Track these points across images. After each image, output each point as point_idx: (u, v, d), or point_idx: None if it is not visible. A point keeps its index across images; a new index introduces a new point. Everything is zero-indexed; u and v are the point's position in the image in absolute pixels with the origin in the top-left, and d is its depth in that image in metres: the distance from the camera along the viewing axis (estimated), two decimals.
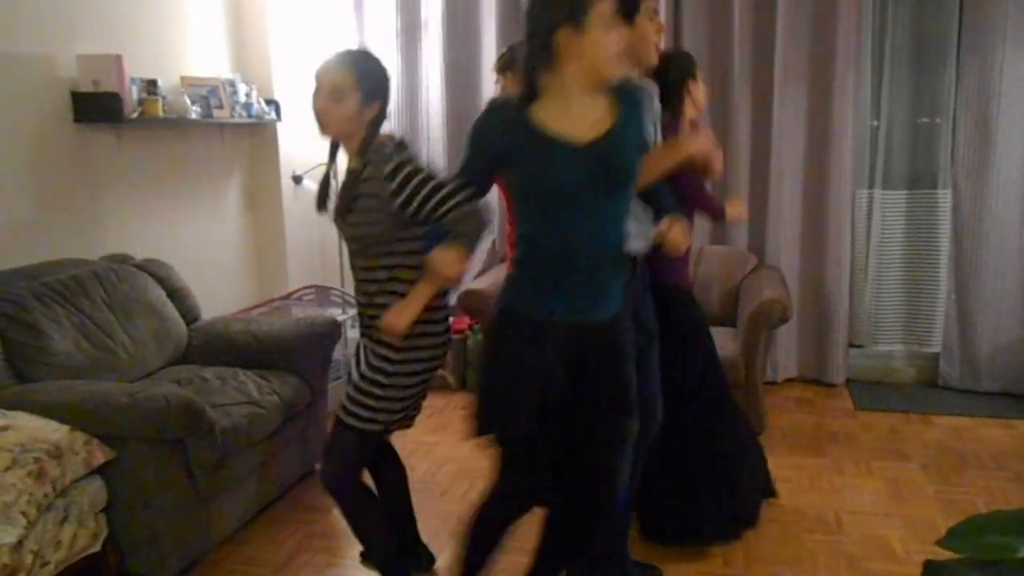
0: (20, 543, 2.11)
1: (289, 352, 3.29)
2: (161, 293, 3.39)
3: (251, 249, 4.53)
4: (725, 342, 3.79)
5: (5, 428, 2.28)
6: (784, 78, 4.27)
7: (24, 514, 2.13)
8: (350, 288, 4.87)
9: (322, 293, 4.62)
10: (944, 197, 4.40)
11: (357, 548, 2.87)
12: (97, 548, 2.43)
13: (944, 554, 1.39)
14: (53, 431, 2.33)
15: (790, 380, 4.56)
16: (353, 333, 4.72)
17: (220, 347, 3.36)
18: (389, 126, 2.36)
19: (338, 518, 3.13)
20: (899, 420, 4.01)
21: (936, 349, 4.49)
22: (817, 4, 4.20)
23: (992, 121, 4.10)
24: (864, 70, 4.35)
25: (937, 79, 4.39)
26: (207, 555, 2.78)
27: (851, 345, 4.57)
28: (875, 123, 4.49)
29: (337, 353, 3.81)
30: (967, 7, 4.10)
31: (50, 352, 2.77)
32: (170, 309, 3.39)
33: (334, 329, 3.47)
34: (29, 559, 2.14)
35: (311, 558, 2.84)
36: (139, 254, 3.54)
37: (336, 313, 4.36)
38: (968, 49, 4.11)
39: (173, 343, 3.32)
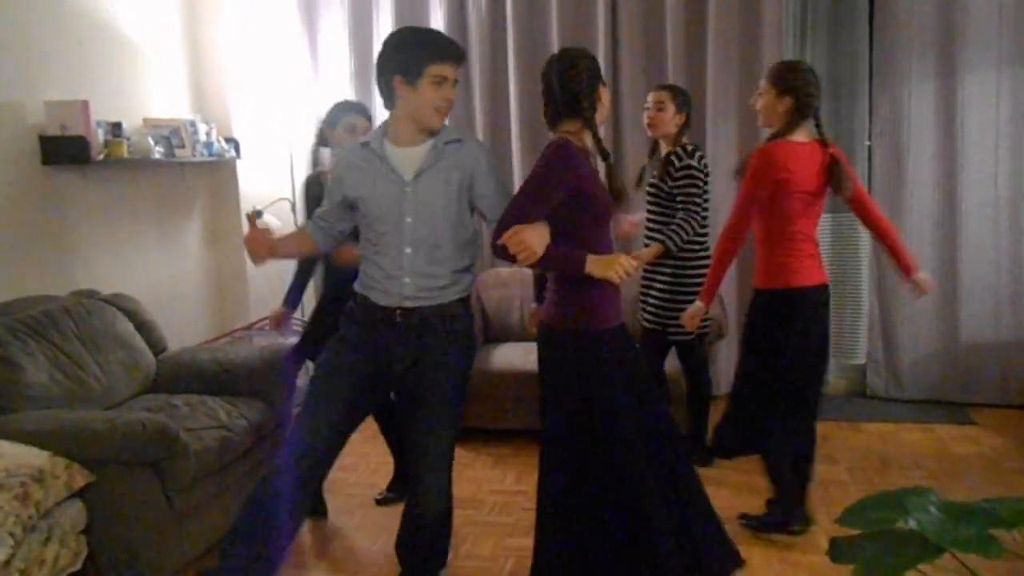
0: (8, 562, 2.25)
1: (254, 378, 3.46)
2: (129, 326, 3.53)
3: (213, 281, 4.69)
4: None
5: None
6: (715, 108, 4.59)
7: (12, 535, 2.27)
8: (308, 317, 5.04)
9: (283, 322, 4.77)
10: None
11: (323, 567, 3.04)
12: (78, 567, 2.57)
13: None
14: (35, 456, 2.48)
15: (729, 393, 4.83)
16: None
17: (188, 376, 3.51)
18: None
19: (303, 534, 3.30)
20: (830, 428, 4.30)
21: (862, 361, 4.82)
22: (743, 38, 4.53)
23: (904, 147, 4.48)
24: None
25: (854, 109, 4.75)
26: (181, 572, 2.92)
27: None
28: None
29: (300, 380, 3.97)
30: (876, 41, 4.48)
31: (26, 384, 2.91)
32: (138, 341, 3.53)
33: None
34: None
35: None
36: (106, 289, 3.68)
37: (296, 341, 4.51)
38: (879, 83, 4.49)
39: (142, 373, 3.46)
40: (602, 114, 2.45)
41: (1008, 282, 4.46)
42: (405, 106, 2.38)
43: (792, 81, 2.85)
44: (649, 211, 3.65)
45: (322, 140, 3.46)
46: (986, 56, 4.33)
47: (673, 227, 3.46)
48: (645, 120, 3.57)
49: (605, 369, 2.37)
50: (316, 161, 5.06)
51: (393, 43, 2.38)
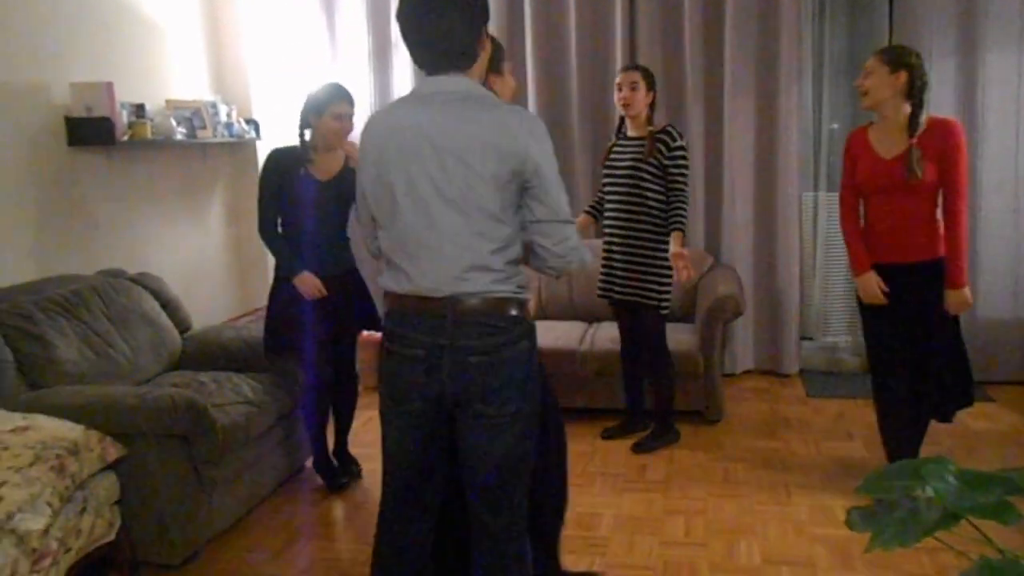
0: (46, 531, 2.32)
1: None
2: (155, 304, 3.60)
3: (236, 260, 4.75)
4: (684, 336, 4.09)
5: (26, 428, 2.48)
6: (733, 90, 4.59)
7: (49, 504, 2.34)
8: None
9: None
10: None
11: (347, 536, 3.11)
12: (112, 537, 2.64)
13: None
14: (70, 430, 2.54)
15: (747, 372, 4.87)
16: None
17: (213, 353, 3.58)
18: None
19: (329, 509, 3.37)
20: (847, 405, 4.33)
21: None
22: (761, 20, 4.53)
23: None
24: (806, 80, 4.68)
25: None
26: (210, 543, 3.00)
27: (803, 338, 4.89)
28: (818, 129, 4.82)
29: None
30: (895, 20, 4.45)
31: (57, 361, 2.98)
32: (164, 319, 3.60)
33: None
34: (54, 545, 2.35)
35: (306, 545, 3.07)
36: (131, 268, 3.75)
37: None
38: None
39: (168, 351, 3.53)
40: (507, 95, 2.44)
41: None
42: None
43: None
44: (620, 188, 3.63)
45: (305, 125, 3.29)
46: (1008, 32, 4.30)
47: (677, 210, 3.53)
48: (619, 100, 3.60)
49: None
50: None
51: None
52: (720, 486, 3.41)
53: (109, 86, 3.54)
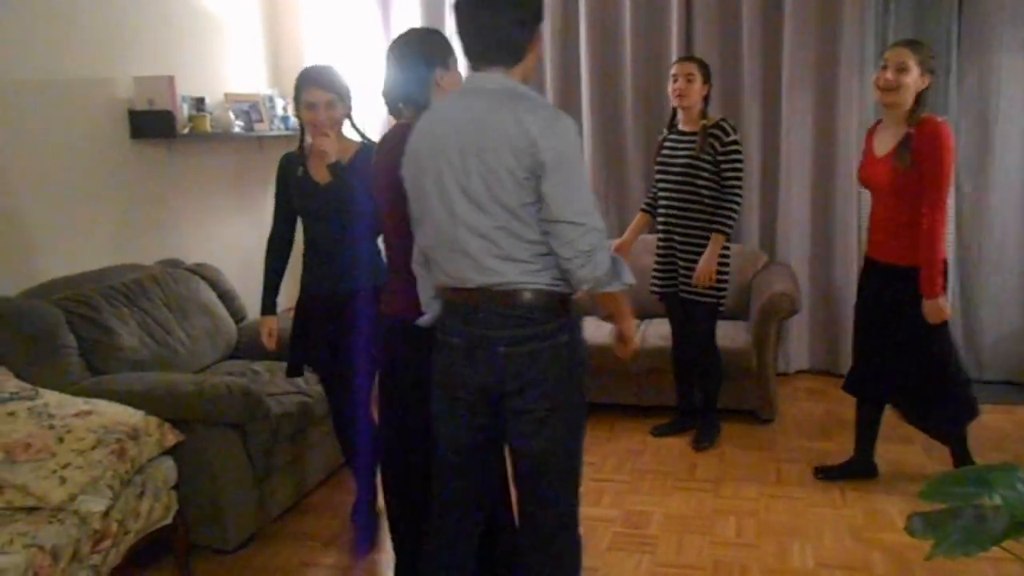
0: (107, 513, 2.39)
1: None
2: (212, 294, 3.68)
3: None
4: (738, 334, 4.03)
5: (89, 413, 2.56)
6: (791, 83, 4.49)
7: (110, 487, 2.41)
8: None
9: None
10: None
11: None
12: (169, 520, 2.71)
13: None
14: (130, 416, 2.61)
15: (801, 371, 4.77)
16: None
17: None
18: None
19: (378, 501, 3.40)
20: None
21: None
22: (821, 12, 4.42)
23: (991, 120, 4.31)
24: (867, 74, 4.55)
25: (937, 81, 4.57)
26: (263, 530, 3.05)
27: None
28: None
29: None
30: (965, 12, 4.31)
31: (119, 347, 3.06)
32: (220, 309, 3.68)
33: None
34: (115, 527, 2.42)
35: (349, 539, 3.10)
36: (189, 259, 3.84)
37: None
38: (967, 52, 4.32)
39: (224, 340, 3.60)
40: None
41: None
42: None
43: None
44: (674, 184, 3.56)
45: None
46: None
47: (726, 210, 3.47)
48: (673, 92, 3.53)
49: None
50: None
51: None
52: (772, 487, 3.35)
53: (171, 80, 3.62)
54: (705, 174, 3.49)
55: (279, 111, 4.43)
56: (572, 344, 1.96)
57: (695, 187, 3.51)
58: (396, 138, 2.24)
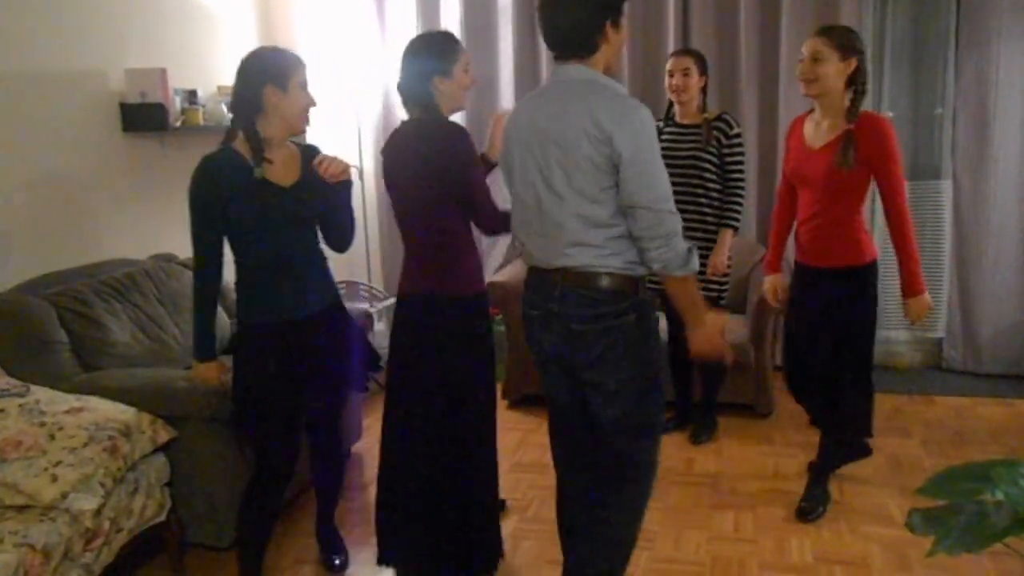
0: (99, 511, 2.37)
1: None
2: None
3: None
4: (735, 328, 4.01)
5: (80, 410, 2.53)
6: (789, 74, 4.45)
7: (102, 485, 2.39)
8: (378, 283, 5.13)
9: (351, 288, 4.86)
10: (945, 188, 4.58)
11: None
12: (163, 518, 2.69)
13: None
14: (122, 412, 2.59)
15: None
16: (381, 326, 4.97)
17: None
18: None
19: (374, 494, 3.37)
20: (903, 401, 4.20)
21: (940, 334, 4.67)
22: (819, 4, 4.38)
23: (990, 113, 4.28)
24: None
25: (936, 73, 4.57)
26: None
27: None
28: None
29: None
30: (963, 4, 4.28)
31: (111, 343, 3.03)
32: None
33: (367, 320, 3.71)
34: (107, 525, 2.40)
35: (351, 530, 3.09)
36: (182, 253, 3.79)
37: (365, 307, 4.60)
38: (966, 43, 4.29)
39: (218, 336, 3.55)
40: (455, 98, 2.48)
41: None
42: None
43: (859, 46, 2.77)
44: (680, 179, 3.43)
45: (252, 108, 2.39)
46: None
47: (732, 205, 3.48)
48: (670, 87, 3.50)
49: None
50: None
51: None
52: (770, 481, 3.34)
53: (163, 72, 3.59)
54: (710, 167, 3.46)
55: None
56: (642, 323, 2.11)
57: (701, 180, 3.48)
58: (398, 135, 2.50)
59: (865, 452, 3.21)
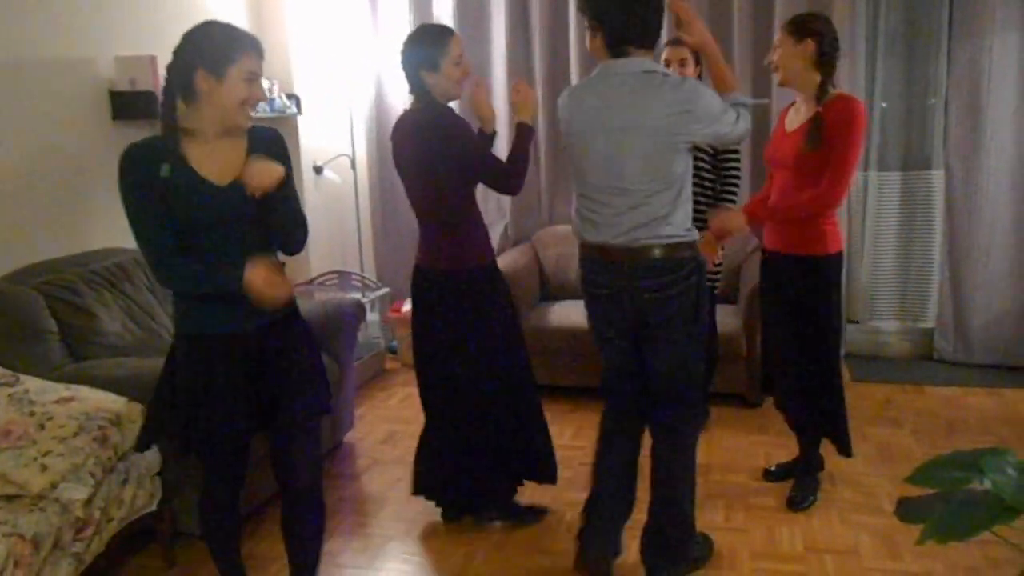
0: (89, 500, 2.36)
1: (319, 332, 3.50)
2: None
3: None
4: (727, 318, 4.02)
5: (70, 399, 2.52)
6: None
7: (92, 475, 2.38)
8: (370, 273, 5.11)
9: (343, 278, 4.85)
10: (937, 178, 4.59)
11: (384, 511, 3.12)
12: (153, 508, 2.68)
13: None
14: (112, 402, 2.57)
15: None
16: (373, 315, 4.96)
17: None
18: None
19: (366, 484, 3.38)
20: (894, 391, 4.22)
21: (931, 324, 4.69)
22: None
23: (983, 103, 4.28)
24: (858, 56, 4.52)
25: (929, 63, 4.57)
26: (250, 517, 3.02)
27: (848, 321, 4.77)
28: (870, 107, 4.67)
29: (360, 334, 4.04)
30: None
31: (101, 332, 3.02)
32: None
33: (359, 310, 3.71)
34: (97, 514, 2.39)
35: (343, 519, 3.09)
36: None
37: (358, 296, 4.59)
38: (959, 33, 4.29)
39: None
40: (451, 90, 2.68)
41: None
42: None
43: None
44: None
45: (188, 92, 2.11)
46: None
47: (727, 197, 3.47)
48: None
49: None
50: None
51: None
52: (761, 471, 3.35)
53: (152, 60, 3.56)
54: (706, 157, 3.46)
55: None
56: (700, 280, 2.38)
57: (697, 170, 3.47)
58: (402, 122, 2.74)
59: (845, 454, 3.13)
